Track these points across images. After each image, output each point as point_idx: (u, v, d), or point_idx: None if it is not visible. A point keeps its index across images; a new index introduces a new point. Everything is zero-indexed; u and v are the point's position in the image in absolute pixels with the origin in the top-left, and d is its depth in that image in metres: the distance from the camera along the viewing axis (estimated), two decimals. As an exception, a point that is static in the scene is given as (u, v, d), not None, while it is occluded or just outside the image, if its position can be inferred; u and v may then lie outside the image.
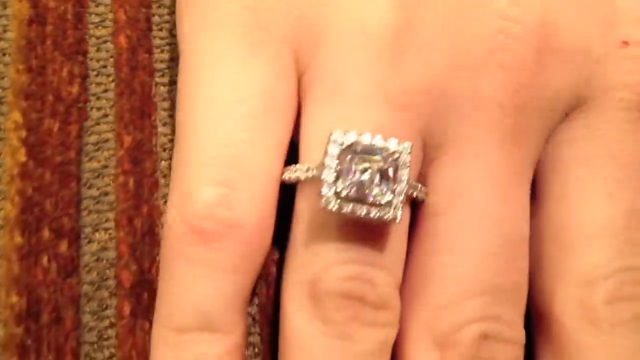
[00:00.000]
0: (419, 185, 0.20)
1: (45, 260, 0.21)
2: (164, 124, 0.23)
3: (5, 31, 0.23)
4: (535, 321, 0.22)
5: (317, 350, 0.19)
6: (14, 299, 0.21)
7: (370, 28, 0.20)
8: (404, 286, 0.21)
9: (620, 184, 0.21)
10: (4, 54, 0.23)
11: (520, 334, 0.21)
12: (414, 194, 0.20)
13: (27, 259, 0.21)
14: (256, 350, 0.22)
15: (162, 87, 0.23)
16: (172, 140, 0.23)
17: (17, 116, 0.22)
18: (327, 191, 0.19)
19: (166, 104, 0.23)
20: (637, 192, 0.21)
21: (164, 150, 0.23)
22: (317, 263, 0.20)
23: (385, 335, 0.20)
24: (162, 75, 0.23)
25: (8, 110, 0.22)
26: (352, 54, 0.20)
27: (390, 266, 0.20)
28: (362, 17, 0.20)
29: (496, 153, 0.20)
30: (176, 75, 0.23)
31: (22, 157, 0.22)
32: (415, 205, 0.21)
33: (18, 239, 0.21)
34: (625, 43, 0.21)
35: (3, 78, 0.23)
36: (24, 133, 0.22)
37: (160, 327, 0.20)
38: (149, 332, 0.21)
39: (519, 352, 0.21)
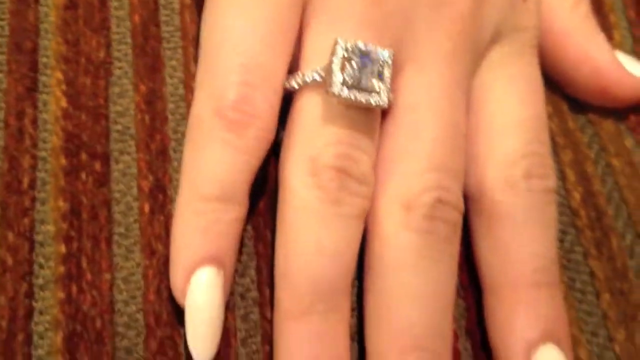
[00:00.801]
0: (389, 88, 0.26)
1: (83, 175, 0.28)
2: (171, 77, 0.30)
3: (47, 16, 0.30)
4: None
5: (314, 209, 0.25)
6: (61, 203, 0.27)
7: None
8: (377, 166, 0.27)
9: (528, 94, 0.29)
10: (47, 32, 0.30)
11: (462, 205, 0.27)
12: (389, 95, 0.26)
13: (70, 175, 0.28)
14: (249, 234, 0.28)
15: (168, 51, 0.30)
16: (177, 88, 0.30)
17: (58, 75, 0.29)
18: (335, 80, 0.25)
19: (172, 63, 0.30)
20: (540, 102, 0.29)
21: (171, 95, 0.29)
22: (315, 142, 0.25)
23: (364, 205, 0.26)
24: (168, 42, 0.30)
25: (52, 72, 0.29)
26: None
27: (369, 149, 0.26)
28: None
29: (444, 68, 0.27)
30: (179, 42, 0.30)
31: (63, 103, 0.29)
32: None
33: (63, 161, 0.28)
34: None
35: (47, 49, 0.30)
36: (64, 87, 0.29)
37: (186, 195, 0.25)
38: (164, 223, 0.27)
39: (461, 218, 0.27)
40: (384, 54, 0.25)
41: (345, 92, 0.25)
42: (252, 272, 0.27)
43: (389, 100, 0.26)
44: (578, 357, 0.27)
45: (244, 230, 0.27)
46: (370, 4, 0.26)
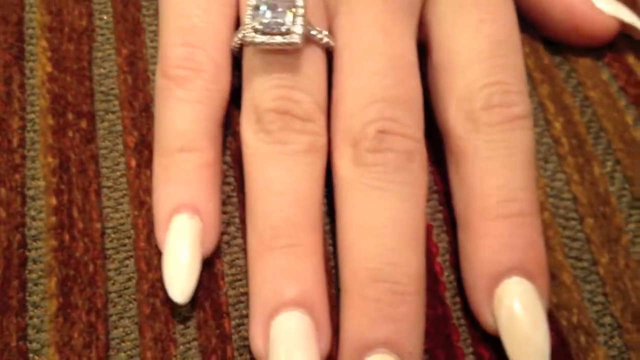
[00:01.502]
0: (325, 32, 0.27)
1: (70, 133, 0.29)
2: (151, 41, 0.31)
3: (31, -9, 0.32)
4: (444, 142, 0.28)
5: (261, 153, 0.26)
6: (50, 159, 0.28)
7: None
8: (331, 107, 0.27)
9: (484, 21, 0.28)
10: (31, 6, 0.31)
11: (414, 131, 0.26)
12: (318, 36, 0.27)
13: (58, 133, 0.29)
14: (232, 187, 0.29)
15: (147, 18, 0.31)
16: (157, 51, 0.31)
17: (43, 42, 0.30)
18: (247, 28, 0.26)
19: (151, 28, 0.31)
20: (498, 26, 0.28)
21: (152, 57, 0.30)
22: (255, 92, 0.27)
23: (312, 140, 0.26)
24: (147, 9, 0.31)
25: (37, 41, 0.30)
26: None
27: (309, 89, 0.27)
28: None
29: (376, 3, 0.27)
30: (157, 10, 0.31)
31: (49, 68, 0.30)
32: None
33: (50, 121, 0.29)
34: None
35: (32, 21, 0.31)
36: (49, 53, 0.30)
37: (155, 153, 0.27)
38: (150, 177, 0.28)
39: (414, 145, 0.26)
40: None
41: (258, 38, 0.26)
42: (237, 220, 0.28)
43: (325, 45, 0.27)
44: (563, 281, 0.28)
45: (228, 183, 0.28)
46: None
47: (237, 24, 0.29)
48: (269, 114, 0.26)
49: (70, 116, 0.29)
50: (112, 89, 0.30)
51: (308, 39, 0.27)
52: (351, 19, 0.27)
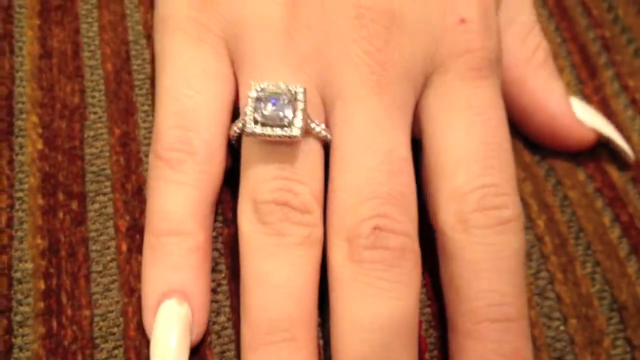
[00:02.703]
0: (322, 125, 0.27)
1: (61, 214, 0.28)
2: (143, 121, 0.31)
3: (22, 65, 0.31)
4: (436, 240, 0.28)
5: (259, 244, 0.26)
6: (39, 241, 0.27)
7: (268, 22, 0.28)
8: (327, 201, 0.27)
9: (474, 124, 0.28)
10: (22, 80, 0.31)
11: (407, 228, 0.26)
12: (316, 129, 0.27)
13: (48, 214, 0.28)
14: (223, 275, 0.28)
15: (140, 97, 0.31)
16: (149, 132, 0.30)
17: (34, 118, 0.30)
18: (248, 120, 0.26)
19: (144, 108, 0.31)
20: (489, 129, 0.28)
21: (145, 138, 0.30)
22: (253, 182, 0.27)
23: (309, 232, 0.26)
24: (140, 89, 0.31)
25: (27, 116, 0.30)
26: (260, 41, 0.28)
27: (307, 180, 0.27)
28: (262, 16, 0.28)
29: (370, 99, 0.27)
30: (150, 89, 0.31)
31: (39, 145, 0.29)
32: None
33: (40, 201, 0.28)
34: (463, 21, 0.29)
35: (22, 95, 0.30)
36: (40, 130, 0.30)
37: (145, 234, 0.27)
38: (141, 262, 0.28)
39: (408, 241, 0.26)
40: (296, 89, 0.27)
41: (258, 129, 0.26)
42: (227, 310, 0.27)
43: (322, 138, 0.27)
44: (547, 381, 0.28)
45: (219, 271, 0.28)
46: (282, 47, 0.28)
47: (234, 103, 0.29)
48: (267, 206, 0.26)
49: (60, 196, 0.28)
50: (104, 169, 0.29)
51: (307, 131, 0.27)
52: (346, 114, 0.28)
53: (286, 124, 0.27)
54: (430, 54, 0.28)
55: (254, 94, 0.27)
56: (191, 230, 0.27)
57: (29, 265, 0.27)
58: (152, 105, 0.31)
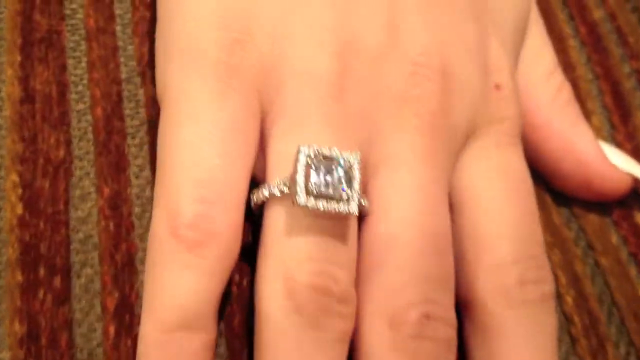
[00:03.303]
0: (363, 195, 0.25)
1: (41, 293, 0.25)
2: (136, 177, 0.27)
3: (0, 110, 0.28)
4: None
5: (291, 336, 0.23)
6: (17, 326, 0.25)
7: (316, 72, 0.25)
8: (358, 278, 0.25)
9: (513, 190, 0.27)
10: (0, 129, 0.27)
11: (453, 316, 0.25)
12: (361, 201, 0.24)
13: (27, 293, 0.25)
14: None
15: (133, 148, 0.28)
16: (143, 190, 0.27)
17: (14, 177, 0.27)
18: (299, 190, 0.23)
19: (138, 161, 0.28)
20: (526, 197, 0.27)
21: (137, 198, 0.27)
22: (290, 260, 0.23)
23: (347, 326, 0.24)
24: (133, 138, 0.28)
25: (6, 173, 0.27)
26: (305, 93, 0.25)
27: (347, 264, 0.24)
28: (310, 66, 0.25)
29: (419, 167, 0.25)
30: (144, 137, 0.27)
31: (19, 210, 0.26)
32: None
33: (19, 277, 0.25)
34: (498, 87, 0.27)
35: (1, 148, 0.27)
36: (20, 190, 0.27)
37: (147, 325, 0.23)
38: (132, 348, 0.25)
39: (454, 332, 0.25)
40: (351, 157, 0.24)
41: (311, 202, 0.23)
42: None
43: (360, 207, 0.24)
44: None
45: (219, 356, 0.25)
46: (330, 105, 0.25)
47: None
48: (305, 292, 0.23)
49: (42, 271, 0.26)
50: (91, 236, 0.26)
51: None
52: (393, 182, 0.25)
53: (344, 197, 0.24)
54: (472, 117, 0.27)
55: (303, 160, 0.24)
56: (207, 326, 0.24)
57: (6, 355, 0.24)
58: (147, 157, 0.28)
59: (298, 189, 0.23)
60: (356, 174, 0.24)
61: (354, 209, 0.24)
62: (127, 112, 0.28)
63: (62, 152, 0.27)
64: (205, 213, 0.24)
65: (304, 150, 0.23)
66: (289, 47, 0.25)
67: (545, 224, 0.30)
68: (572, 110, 0.31)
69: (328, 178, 0.24)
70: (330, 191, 0.23)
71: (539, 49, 0.31)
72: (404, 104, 0.26)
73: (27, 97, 0.28)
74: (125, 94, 0.29)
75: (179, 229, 0.23)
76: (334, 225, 0.24)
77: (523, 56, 0.30)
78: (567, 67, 0.33)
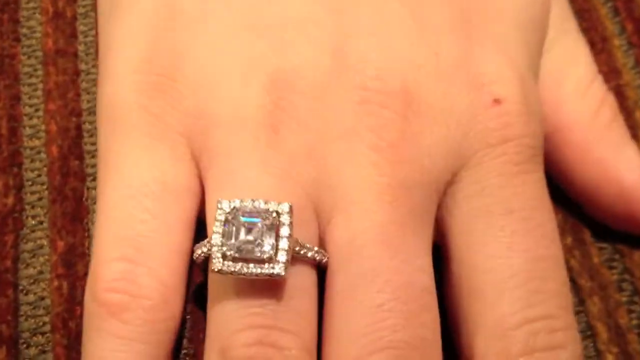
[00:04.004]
0: (315, 247, 0.21)
1: (-16, 369, 0.22)
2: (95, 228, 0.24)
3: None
4: None
5: None
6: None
7: (244, 113, 0.22)
8: (323, 341, 0.21)
9: (518, 234, 0.22)
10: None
11: None
12: (308, 254, 0.21)
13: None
14: None
15: (93, 191, 0.25)
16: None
17: (-46, 233, 0.23)
18: (216, 254, 0.20)
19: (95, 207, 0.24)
20: (536, 239, 0.22)
21: (97, 252, 0.24)
22: (222, 331, 0.21)
23: None
24: (93, 180, 0.25)
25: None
26: (235, 138, 0.22)
27: (294, 328, 0.21)
28: (237, 105, 0.22)
29: (379, 210, 0.21)
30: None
31: (-41, 272, 0.23)
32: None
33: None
34: (497, 101, 0.23)
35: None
36: (-40, 249, 0.23)
37: None
38: None
39: None
40: (279, 207, 0.21)
41: (229, 267, 0.20)
42: None
43: (287, 267, 0.21)
44: None
45: None
46: (262, 148, 0.22)
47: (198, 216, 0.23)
48: None
49: (-17, 344, 0.22)
50: (43, 299, 0.23)
51: (294, 258, 0.21)
52: (347, 232, 0.22)
53: (265, 258, 0.20)
54: (457, 145, 0.23)
55: (221, 217, 0.21)
56: None
57: None
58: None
59: (214, 252, 0.21)
60: (284, 229, 0.21)
61: (279, 270, 0.20)
62: (87, 148, 0.25)
63: (11, 200, 0.24)
64: (126, 273, 0.21)
65: (223, 205, 0.21)
66: (214, 86, 0.22)
67: (582, 266, 0.26)
68: (616, 132, 0.26)
69: (249, 236, 0.21)
70: (252, 253, 0.20)
71: (570, 55, 0.26)
72: (355, 137, 0.22)
73: (-26, 135, 0.25)
74: (86, 127, 0.25)
75: (99, 293, 0.21)
76: (271, 287, 0.21)
77: (549, 64, 0.26)
78: (611, 72, 0.29)
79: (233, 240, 0.20)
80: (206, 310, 0.22)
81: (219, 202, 0.21)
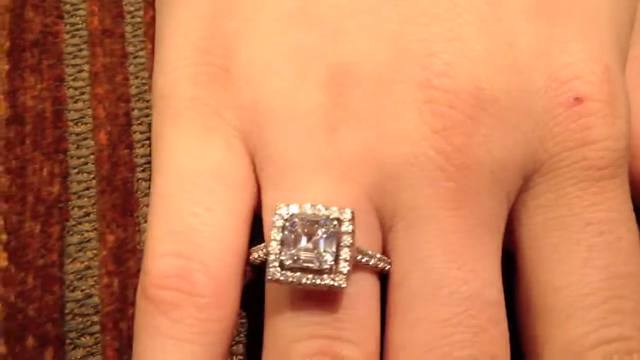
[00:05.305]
0: (377, 254, 0.20)
1: (30, 370, 0.21)
2: (146, 220, 0.23)
3: (-17, 133, 0.23)
4: None
5: None
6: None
7: (300, 109, 0.21)
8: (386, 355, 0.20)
9: (596, 249, 0.21)
10: (-18, 156, 0.22)
11: None
12: (370, 262, 0.20)
13: (9, 367, 0.21)
14: None
15: (143, 183, 0.23)
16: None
17: (-2, 221, 0.22)
18: (272, 263, 0.19)
19: (148, 200, 0.23)
20: (614, 254, 0.21)
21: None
22: (281, 339, 0.20)
23: None
24: (144, 170, 0.23)
25: (-10, 215, 0.22)
26: (291, 135, 0.21)
27: (355, 337, 0.20)
28: (294, 100, 0.21)
29: (445, 217, 0.20)
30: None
31: (3, 261, 0.21)
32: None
33: (2, 349, 0.21)
34: (578, 99, 0.21)
35: (-18, 181, 0.22)
36: (4, 237, 0.22)
37: None
38: None
39: None
40: (341, 214, 0.20)
41: (287, 277, 0.19)
42: None
43: (349, 278, 0.20)
44: None
45: None
46: (321, 146, 0.21)
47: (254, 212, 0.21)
48: None
49: (30, 342, 0.21)
50: (91, 296, 0.22)
51: (356, 266, 0.20)
52: (411, 240, 0.20)
53: (326, 268, 0.19)
54: (533, 149, 0.21)
55: (279, 222, 0.20)
56: None
57: None
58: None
59: (270, 261, 0.19)
60: (346, 238, 0.19)
61: (339, 282, 0.19)
62: (136, 136, 0.23)
63: (56, 188, 0.23)
64: (180, 269, 0.20)
65: (281, 211, 0.20)
66: (268, 80, 0.21)
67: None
68: None
69: (309, 245, 0.20)
70: (312, 262, 0.19)
71: None
72: (420, 139, 0.20)
73: (15, 117, 0.23)
74: (134, 113, 0.24)
75: (150, 289, 0.20)
76: (331, 295, 0.20)
77: (633, 64, 0.24)
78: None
79: (292, 249, 0.19)
80: (263, 314, 0.21)
81: (276, 207, 0.19)
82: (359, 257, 0.20)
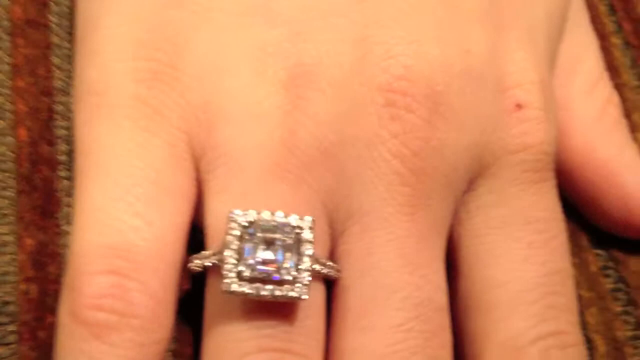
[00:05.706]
0: (329, 262, 0.20)
1: None
2: (69, 222, 0.21)
3: None
4: None
5: None
6: None
7: (259, 110, 0.20)
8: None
9: (534, 246, 0.21)
10: None
11: None
12: (323, 271, 0.19)
13: None
14: None
15: (65, 181, 0.22)
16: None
17: None
18: (229, 273, 0.18)
19: (71, 200, 0.22)
20: (553, 252, 0.22)
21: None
22: (225, 354, 0.19)
23: None
24: (67, 169, 0.22)
25: None
26: (245, 136, 0.20)
27: (305, 351, 0.19)
28: (250, 100, 0.20)
29: (399, 221, 0.20)
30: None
31: None
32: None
33: None
34: (519, 106, 0.22)
35: None
36: None
37: None
38: None
39: None
40: (301, 222, 0.19)
41: (244, 288, 0.19)
42: None
43: (309, 290, 0.19)
44: None
45: None
46: (277, 149, 0.20)
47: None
48: None
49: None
50: (7, 304, 0.21)
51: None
52: (364, 245, 0.20)
53: (287, 279, 0.19)
54: (479, 152, 0.22)
55: (237, 231, 0.19)
56: None
57: None
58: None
59: (227, 271, 0.19)
60: (307, 247, 0.19)
61: (301, 292, 0.19)
62: (59, 132, 0.22)
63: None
64: (116, 288, 0.19)
65: (237, 217, 0.19)
66: (223, 78, 0.20)
67: (579, 275, 0.25)
68: (620, 133, 0.25)
69: (268, 254, 0.19)
70: (268, 273, 0.19)
71: (581, 51, 0.25)
72: (378, 143, 0.20)
73: None
74: (58, 108, 0.22)
75: (80, 310, 0.18)
76: (284, 306, 0.19)
77: (562, 57, 0.25)
78: (610, 70, 0.28)
79: (249, 259, 0.19)
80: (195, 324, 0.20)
81: (232, 213, 0.19)
82: (314, 265, 0.19)
